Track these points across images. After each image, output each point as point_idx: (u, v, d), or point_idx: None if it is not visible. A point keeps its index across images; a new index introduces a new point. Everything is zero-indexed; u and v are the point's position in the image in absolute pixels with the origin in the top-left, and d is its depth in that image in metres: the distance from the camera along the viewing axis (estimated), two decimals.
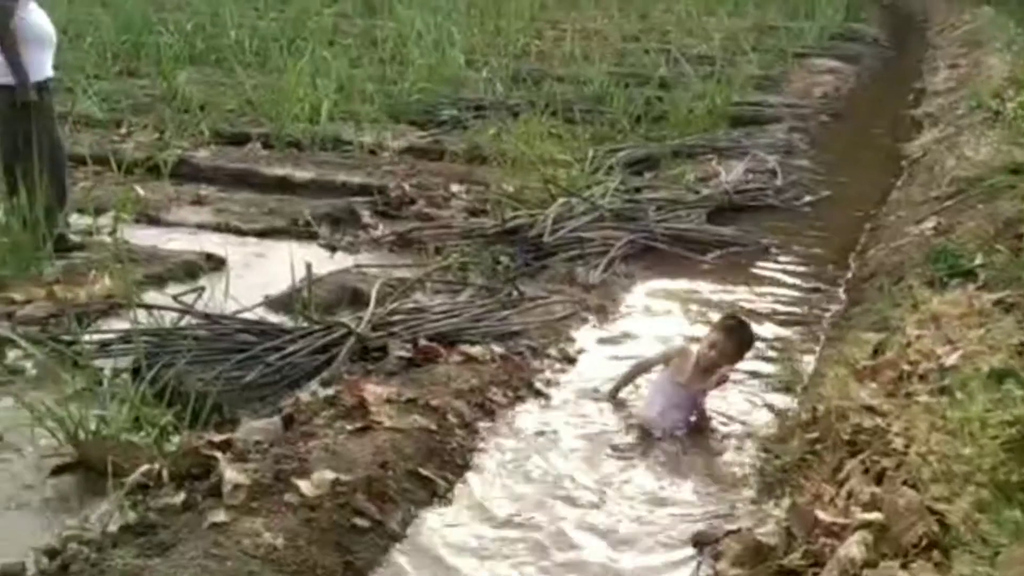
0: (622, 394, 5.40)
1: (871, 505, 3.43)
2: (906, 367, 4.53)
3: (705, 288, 7.24)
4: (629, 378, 5.43)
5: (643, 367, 5.45)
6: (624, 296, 6.99)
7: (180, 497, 4.11)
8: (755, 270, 7.67)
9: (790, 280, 7.48)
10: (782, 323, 6.63)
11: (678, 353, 5.34)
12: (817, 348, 6.16)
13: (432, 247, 7.56)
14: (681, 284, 7.33)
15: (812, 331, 6.51)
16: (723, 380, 5.20)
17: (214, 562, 3.57)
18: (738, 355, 5.28)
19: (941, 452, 3.25)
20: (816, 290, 7.28)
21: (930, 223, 7.45)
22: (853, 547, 3.20)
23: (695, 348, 5.30)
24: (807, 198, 9.45)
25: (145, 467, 4.29)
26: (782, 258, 7.97)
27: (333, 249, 7.82)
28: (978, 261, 5.76)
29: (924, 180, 9.18)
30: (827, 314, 6.78)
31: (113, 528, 3.94)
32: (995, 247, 5.81)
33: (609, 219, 8.04)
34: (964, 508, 2.88)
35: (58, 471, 4.47)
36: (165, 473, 4.30)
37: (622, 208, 8.27)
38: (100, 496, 4.24)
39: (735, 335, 5.26)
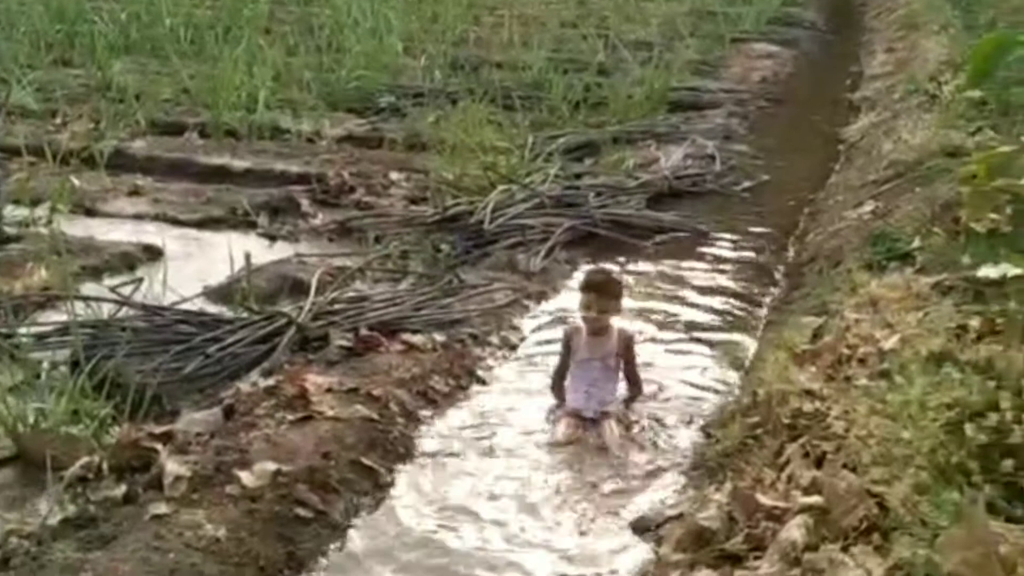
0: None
1: (812, 489, 3.46)
2: (845, 351, 4.58)
3: (646, 273, 7.27)
4: (559, 379, 5.24)
5: (561, 366, 5.24)
6: (565, 283, 7.00)
7: (121, 490, 4.06)
8: (695, 255, 7.70)
9: (730, 265, 7.53)
10: (722, 308, 6.68)
11: (572, 333, 5.24)
12: (757, 332, 6.21)
13: (372, 236, 7.52)
14: (621, 270, 7.34)
15: (752, 316, 6.56)
16: (627, 339, 5.19)
17: (156, 555, 3.53)
18: (612, 299, 5.16)
19: (880, 435, 3.29)
20: (756, 274, 7.33)
21: (868, 207, 7.53)
22: (794, 530, 3.23)
23: (580, 321, 5.23)
24: (746, 183, 9.48)
25: (85, 460, 4.23)
26: (722, 243, 8.01)
27: (272, 238, 7.75)
28: (916, 244, 5.83)
29: (862, 164, 9.28)
30: (767, 299, 6.84)
31: (53, 521, 3.88)
32: (932, 230, 5.88)
33: (549, 206, 8.03)
34: (904, 491, 2.92)
35: None
36: (105, 466, 4.23)
37: (562, 195, 8.26)
38: (39, 489, 4.16)
39: (594, 285, 5.18)
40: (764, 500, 3.57)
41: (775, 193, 9.37)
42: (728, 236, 8.14)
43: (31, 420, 4.53)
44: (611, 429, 4.89)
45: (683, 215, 8.41)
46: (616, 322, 5.20)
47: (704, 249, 7.85)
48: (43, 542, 3.71)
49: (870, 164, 8.99)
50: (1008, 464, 2.90)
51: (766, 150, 10.51)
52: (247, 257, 6.17)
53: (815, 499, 3.36)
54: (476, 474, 4.58)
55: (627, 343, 5.20)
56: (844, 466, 3.36)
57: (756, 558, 3.29)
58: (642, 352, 5.61)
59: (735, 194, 9.27)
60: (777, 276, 7.28)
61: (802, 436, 4.00)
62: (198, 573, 3.51)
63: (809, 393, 4.23)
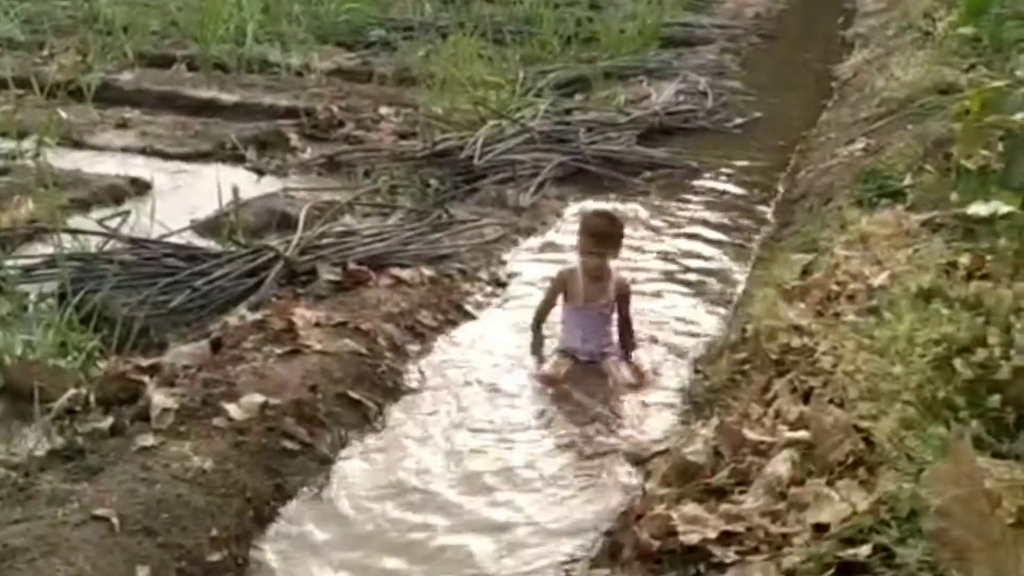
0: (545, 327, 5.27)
1: (798, 424, 3.46)
2: (834, 287, 4.56)
3: (635, 210, 7.22)
4: (541, 318, 5.20)
5: (547, 305, 5.19)
6: (555, 218, 6.98)
7: (108, 422, 4.04)
8: (685, 192, 7.68)
9: (720, 201, 7.51)
10: (711, 244, 6.67)
11: (567, 277, 5.09)
12: (747, 269, 6.20)
13: (361, 170, 7.48)
14: (612, 206, 7.31)
15: (741, 252, 6.55)
16: (624, 288, 5.08)
17: (143, 486, 3.53)
18: (611, 245, 5.01)
19: (868, 371, 3.29)
20: (746, 211, 7.32)
21: (860, 144, 7.49)
22: (780, 465, 3.24)
23: (577, 264, 5.09)
24: (738, 120, 9.46)
25: (72, 392, 4.21)
26: (712, 180, 7.99)
27: (260, 173, 7.70)
28: (907, 182, 5.79)
29: (854, 101, 9.22)
30: (757, 235, 6.82)
31: (40, 453, 3.87)
32: (924, 167, 5.85)
33: (539, 141, 7.98)
34: (890, 426, 2.92)
35: None
36: (92, 398, 4.22)
37: (553, 130, 8.21)
38: (26, 421, 4.15)
39: (595, 229, 5.02)
40: (750, 435, 3.56)
41: (767, 130, 9.34)
42: (719, 173, 8.12)
43: (18, 352, 4.50)
44: (616, 367, 4.90)
45: (674, 151, 8.39)
46: (614, 269, 5.09)
47: (695, 186, 7.83)
48: (30, 473, 3.70)
49: (862, 101, 8.94)
50: (995, 399, 2.90)
51: (758, 87, 10.46)
52: (235, 191, 6.13)
53: (801, 434, 3.36)
54: (464, 407, 4.58)
55: (624, 292, 5.09)
56: (831, 401, 3.36)
57: (741, 492, 3.28)
58: (634, 290, 5.61)
59: (727, 131, 9.25)
60: (767, 213, 7.25)
61: (790, 372, 3.99)
62: (185, 504, 3.51)
63: (797, 329, 4.22)
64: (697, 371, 4.78)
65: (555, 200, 7.26)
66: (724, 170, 8.19)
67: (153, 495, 3.50)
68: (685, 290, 5.92)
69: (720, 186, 7.86)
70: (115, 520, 3.33)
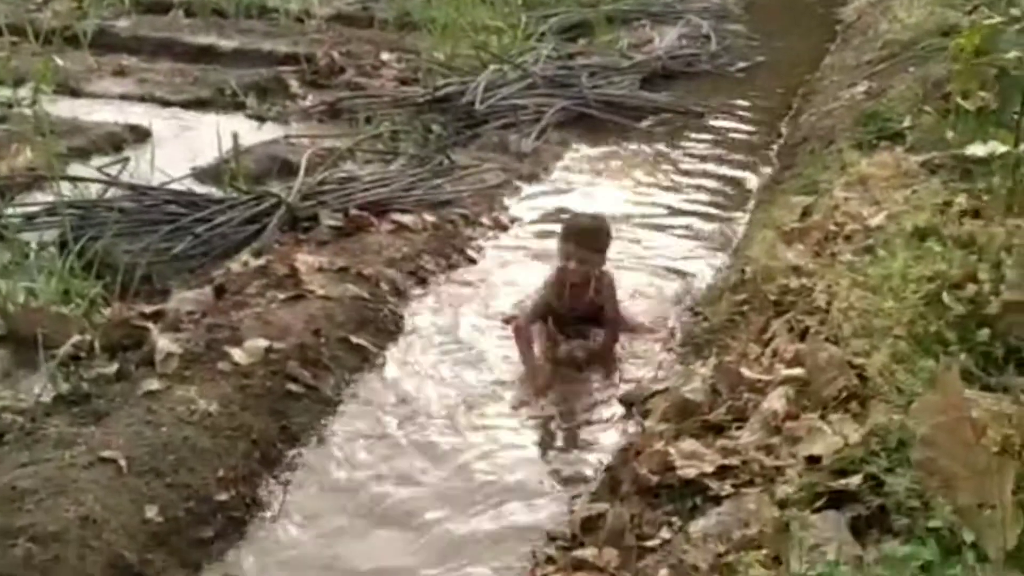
0: None
1: (794, 361, 3.51)
2: (832, 228, 4.59)
3: (638, 154, 7.25)
4: (529, 324, 4.63)
5: (537, 312, 4.68)
6: (557, 163, 6.99)
7: (113, 367, 4.09)
8: (688, 136, 7.69)
9: (722, 145, 7.52)
10: (713, 188, 6.69)
11: (552, 282, 4.70)
12: (747, 212, 6.23)
13: (363, 117, 7.46)
14: (614, 150, 7.33)
15: (743, 195, 6.57)
16: (609, 284, 4.68)
17: (149, 429, 3.58)
18: (596, 251, 4.62)
19: (862, 307, 3.33)
20: (748, 155, 7.33)
21: (861, 87, 7.48)
22: (775, 401, 3.29)
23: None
24: (741, 64, 9.43)
25: (76, 338, 4.26)
26: (715, 124, 8.00)
27: (261, 120, 7.69)
28: (906, 123, 5.80)
29: (857, 44, 9.19)
30: (758, 179, 6.84)
31: (46, 398, 3.91)
32: (923, 109, 5.86)
33: (542, 86, 7.97)
34: (882, 360, 2.96)
35: None
36: (97, 344, 4.27)
37: (555, 75, 8.19)
38: (31, 368, 4.20)
39: (576, 233, 4.63)
40: (747, 373, 3.62)
41: (770, 74, 9.32)
42: (722, 117, 8.13)
43: (21, 299, 4.55)
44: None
45: (677, 96, 8.38)
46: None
47: (698, 130, 7.83)
48: (36, 418, 3.74)
49: (866, 44, 8.91)
50: (984, 334, 2.94)
51: (762, 30, 10.41)
52: (235, 137, 6.13)
53: (797, 371, 3.41)
54: (467, 349, 4.63)
55: (609, 288, 4.70)
56: (826, 339, 3.40)
57: (738, 428, 3.34)
58: (635, 233, 5.66)
59: (730, 75, 9.22)
60: (770, 156, 7.26)
61: (788, 312, 4.03)
62: (191, 446, 3.56)
63: (796, 270, 4.26)
64: (696, 313, 4.81)
65: (557, 145, 7.26)
66: (727, 114, 8.20)
67: (159, 437, 3.55)
68: (686, 233, 5.94)
69: (723, 130, 7.87)
70: (122, 462, 3.39)
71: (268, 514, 3.51)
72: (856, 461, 2.73)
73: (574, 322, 4.72)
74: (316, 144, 6.73)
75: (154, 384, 3.87)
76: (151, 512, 3.27)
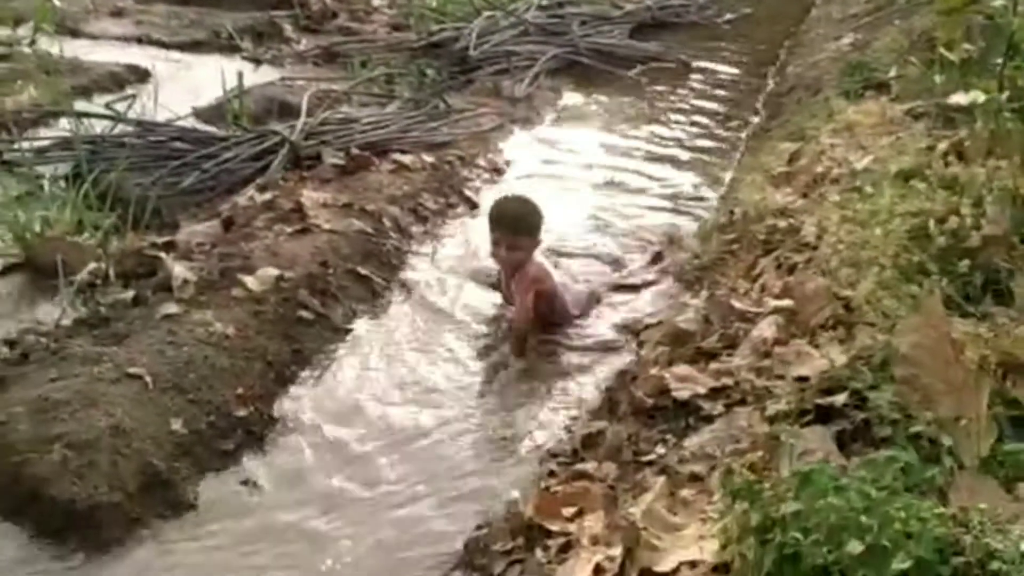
0: None
1: (783, 294, 3.70)
2: (819, 172, 4.78)
3: (627, 102, 7.41)
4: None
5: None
6: (549, 108, 7.15)
7: (129, 293, 4.26)
8: (676, 84, 7.85)
9: (710, 94, 7.69)
10: (701, 135, 6.87)
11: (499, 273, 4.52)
12: (736, 158, 6.41)
13: (357, 61, 7.59)
14: (604, 97, 7.49)
15: (731, 142, 6.75)
16: (533, 278, 4.34)
17: (170, 348, 3.76)
18: (523, 234, 4.34)
19: (849, 240, 3.52)
20: (735, 104, 7.50)
21: (847, 39, 7.66)
22: (765, 328, 3.48)
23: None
24: (728, 16, 9.59)
25: (92, 266, 4.43)
26: (702, 73, 8.16)
27: (257, 62, 7.81)
28: (892, 73, 5.97)
29: None
30: (746, 127, 7.02)
31: (67, 322, 4.08)
32: (908, 60, 6.02)
33: (534, 34, 8.12)
34: (868, 288, 3.15)
35: (6, 271, 4.58)
36: (112, 272, 4.44)
37: (547, 23, 8.34)
38: (49, 294, 4.37)
39: (499, 217, 4.37)
40: (738, 304, 3.81)
41: (757, 25, 9.49)
42: (709, 66, 8.29)
43: (37, 228, 4.70)
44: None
45: (666, 45, 8.53)
46: (533, 258, 4.41)
47: (685, 79, 8.00)
48: (60, 339, 3.91)
49: None
50: (964, 265, 3.14)
51: None
52: (240, 76, 6.26)
53: (786, 302, 3.61)
54: (468, 285, 4.80)
55: (534, 282, 4.34)
56: (814, 272, 3.60)
57: (729, 355, 3.54)
58: (627, 179, 5.81)
59: (717, 26, 9.38)
60: (756, 105, 7.43)
61: (776, 250, 4.22)
62: (211, 365, 3.75)
63: (783, 211, 4.45)
64: (685, 252, 4.99)
65: (549, 91, 7.42)
66: (714, 64, 8.36)
67: (181, 356, 3.74)
68: (675, 178, 6.12)
69: (710, 80, 8.04)
70: (148, 378, 3.58)
71: (283, 429, 3.70)
72: (844, 380, 2.92)
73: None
74: (313, 87, 6.85)
75: (172, 308, 4.05)
76: (176, 424, 3.47)
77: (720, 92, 7.76)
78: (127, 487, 3.21)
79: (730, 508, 2.40)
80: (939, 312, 2.69)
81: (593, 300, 4.63)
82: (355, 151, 5.71)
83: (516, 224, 4.34)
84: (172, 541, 3.19)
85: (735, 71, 8.25)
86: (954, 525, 2.16)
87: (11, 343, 3.92)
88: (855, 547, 2.12)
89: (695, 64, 8.27)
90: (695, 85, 7.87)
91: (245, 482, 3.45)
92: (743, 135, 6.85)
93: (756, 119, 7.09)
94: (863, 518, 2.16)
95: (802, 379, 3.11)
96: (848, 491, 2.24)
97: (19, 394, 3.50)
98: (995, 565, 2.08)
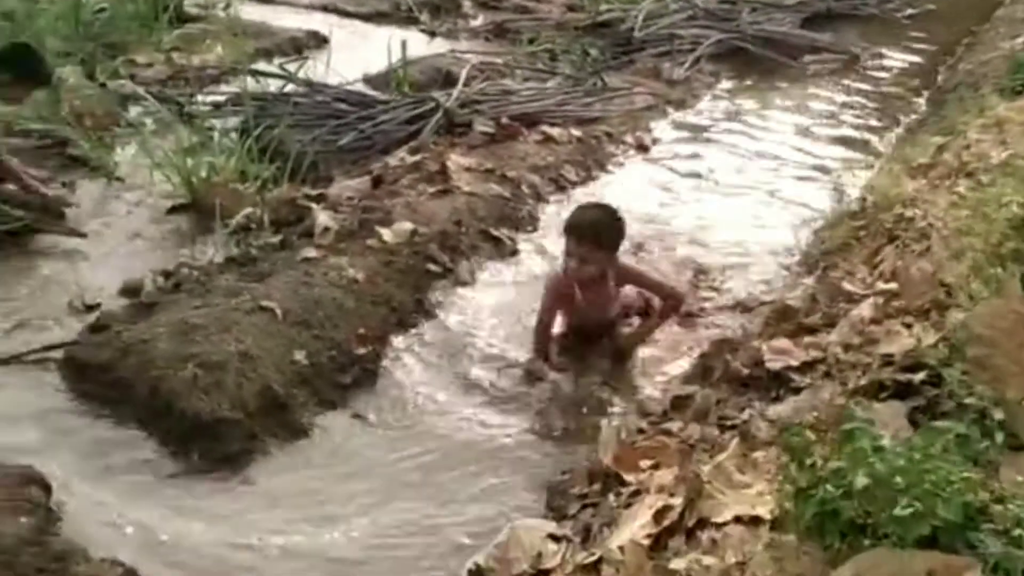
0: None
1: (890, 277, 3.75)
2: (957, 165, 4.76)
3: (787, 92, 7.41)
4: (542, 336, 4.13)
5: (545, 320, 4.13)
6: (706, 93, 7.22)
7: (277, 238, 4.63)
8: (842, 77, 7.78)
9: (875, 89, 7.60)
10: (859, 128, 6.83)
11: (558, 282, 4.12)
12: (888, 151, 6.36)
13: (526, 37, 7.81)
14: (764, 86, 7.51)
15: (886, 136, 6.69)
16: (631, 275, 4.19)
17: (303, 288, 4.09)
18: (597, 248, 3.99)
19: (955, 227, 3.55)
20: (899, 98, 7.40)
21: (1022, 38, 7.47)
22: (865, 308, 3.55)
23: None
24: (910, 10, 9.39)
25: (248, 210, 4.80)
26: (872, 68, 8.05)
27: (432, 35, 8.14)
28: None
29: None
30: (905, 121, 6.93)
31: (219, 259, 4.48)
32: None
33: (701, 18, 8.18)
34: (962, 272, 3.19)
35: (173, 210, 5.02)
36: (265, 218, 4.80)
37: (717, 8, 8.38)
38: (209, 234, 4.78)
39: (574, 227, 4.01)
40: (847, 286, 3.88)
41: (938, 22, 9.25)
42: (881, 62, 8.16)
43: (204, 175, 5.10)
44: None
45: (838, 36, 8.44)
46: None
47: (853, 72, 7.91)
48: (210, 273, 4.31)
49: None
50: None
51: None
52: (403, 45, 6.56)
53: (891, 285, 3.66)
54: None
55: (635, 275, 4.24)
56: (921, 256, 3.64)
57: (828, 332, 3.62)
58: (776, 167, 5.89)
59: (896, 20, 9.19)
60: (920, 102, 7.32)
61: (899, 239, 4.26)
62: (338, 305, 4.05)
63: (912, 201, 4.46)
64: (816, 236, 5.04)
65: (708, 76, 7.48)
66: (887, 59, 8.23)
67: (311, 295, 4.05)
68: (824, 168, 6.13)
69: (879, 73, 7.92)
70: (278, 311, 3.90)
71: (398, 369, 3.97)
72: (924, 358, 2.98)
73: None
74: (479, 60, 7.11)
75: (311, 252, 4.38)
76: (299, 355, 3.77)
77: (886, 88, 7.64)
78: (248, 407, 3.52)
79: (786, 467, 2.53)
80: (1017, 295, 2.74)
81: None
82: (505, 120, 5.92)
83: (592, 236, 3.98)
84: (282, 463, 3.48)
85: (907, 67, 8.11)
86: (986, 493, 2.24)
87: (167, 274, 4.32)
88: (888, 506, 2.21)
89: (866, 58, 8.16)
90: (860, 79, 7.78)
91: (357, 415, 3.72)
92: (901, 129, 6.77)
93: (916, 116, 6.99)
94: (898, 478, 2.26)
95: (887, 356, 3.18)
96: (887, 453, 2.34)
97: (165, 318, 3.87)
98: (1017, 532, 2.15)
